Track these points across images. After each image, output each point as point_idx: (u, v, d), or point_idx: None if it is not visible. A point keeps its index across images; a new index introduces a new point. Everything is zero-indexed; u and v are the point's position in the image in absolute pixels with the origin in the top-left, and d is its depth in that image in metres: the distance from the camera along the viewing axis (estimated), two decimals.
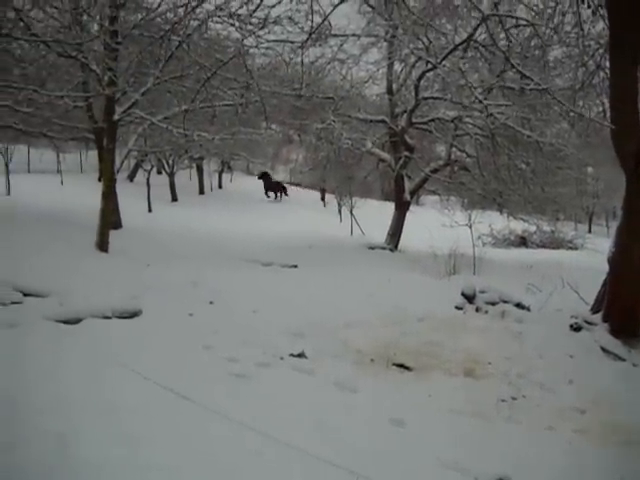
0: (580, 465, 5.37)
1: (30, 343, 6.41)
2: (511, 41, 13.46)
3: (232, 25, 12.72)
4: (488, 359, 7.92)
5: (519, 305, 10.71)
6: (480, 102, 13.75)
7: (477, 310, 10.50)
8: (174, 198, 30.31)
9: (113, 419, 4.72)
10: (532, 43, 13.78)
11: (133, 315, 8.27)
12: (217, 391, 5.64)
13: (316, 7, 11.20)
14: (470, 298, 10.73)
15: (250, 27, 11.94)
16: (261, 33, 12.38)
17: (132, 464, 4.12)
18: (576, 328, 9.44)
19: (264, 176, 34.58)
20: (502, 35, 13.62)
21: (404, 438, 5.31)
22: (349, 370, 6.98)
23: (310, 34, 8.60)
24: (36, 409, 4.71)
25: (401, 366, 7.37)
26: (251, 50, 13.34)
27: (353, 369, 7.06)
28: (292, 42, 12.89)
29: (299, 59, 13.52)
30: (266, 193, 34.50)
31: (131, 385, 5.50)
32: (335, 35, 14.96)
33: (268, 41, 12.98)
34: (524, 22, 13.10)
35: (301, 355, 7.24)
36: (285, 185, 35.75)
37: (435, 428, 5.61)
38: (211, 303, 9.73)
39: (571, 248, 26.02)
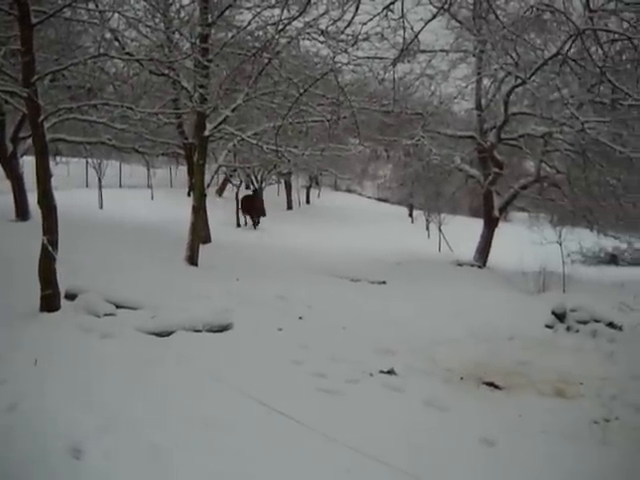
0: None
1: (123, 354, 6.66)
2: (607, 55, 13.21)
3: (322, 43, 12.95)
4: (579, 379, 7.81)
5: (611, 324, 10.52)
6: (577, 118, 13.35)
7: (568, 329, 10.40)
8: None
9: (209, 432, 4.94)
10: (624, 57, 13.46)
11: (223, 329, 8.36)
12: (307, 406, 5.79)
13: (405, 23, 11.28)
14: (561, 317, 10.63)
15: (341, 44, 12.02)
16: (350, 49, 12.41)
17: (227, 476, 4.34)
18: None
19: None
20: (593, 49, 13.36)
21: (494, 458, 5.32)
22: (439, 388, 7.02)
23: (402, 51, 8.68)
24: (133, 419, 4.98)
25: (491, 385, 7.36)
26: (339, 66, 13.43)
27: (443, 387, 7.11)
28: (382, 58, 12.85)
29: (388, 75, 13.64)
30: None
31: (225, 398, 5.72)
32: (423, 51, 14.91)
33: (359, 58, 13.12)
34: (622, 36, 12.81)
35: (391, 372, 7.31)
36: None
37: (526, 449, 5.55)
38: (300, 318, 9.94)
39: None
